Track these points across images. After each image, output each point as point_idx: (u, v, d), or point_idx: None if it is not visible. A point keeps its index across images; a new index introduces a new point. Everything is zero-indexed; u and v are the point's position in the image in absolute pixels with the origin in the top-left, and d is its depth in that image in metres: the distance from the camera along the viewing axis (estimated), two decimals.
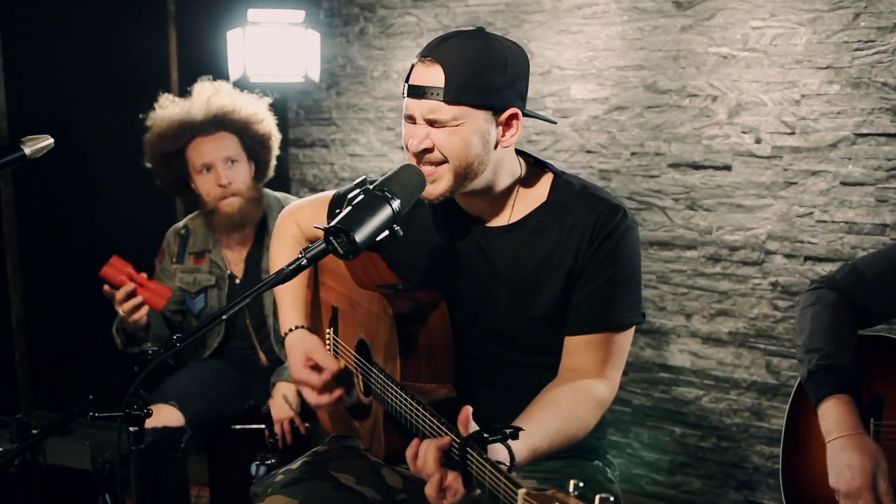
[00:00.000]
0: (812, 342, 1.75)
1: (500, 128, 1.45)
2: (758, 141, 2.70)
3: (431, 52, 1.41)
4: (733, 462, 2.87)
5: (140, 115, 2.58)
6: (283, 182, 3.67)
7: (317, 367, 1.60)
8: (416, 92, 1.41)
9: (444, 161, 1.43)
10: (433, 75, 1.39)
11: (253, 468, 2.22)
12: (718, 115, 2.76)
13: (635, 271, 1.51)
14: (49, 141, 1.79)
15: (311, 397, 1.60)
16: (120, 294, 2.20)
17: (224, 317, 1.22)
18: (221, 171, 2.48)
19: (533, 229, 1.51)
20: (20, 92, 2.72)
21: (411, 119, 1.45)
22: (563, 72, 3.04)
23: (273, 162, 2.69)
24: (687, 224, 2.87)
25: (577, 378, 1.45)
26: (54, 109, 2.86)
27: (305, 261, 1.24)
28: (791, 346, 2.72)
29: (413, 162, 1.45)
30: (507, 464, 1.20)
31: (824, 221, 2.63)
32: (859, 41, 2.51)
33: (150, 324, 2.37)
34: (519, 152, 1.58)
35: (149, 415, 1.22)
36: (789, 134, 2.65)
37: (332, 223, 1.23)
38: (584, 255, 1.47)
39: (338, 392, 1.59)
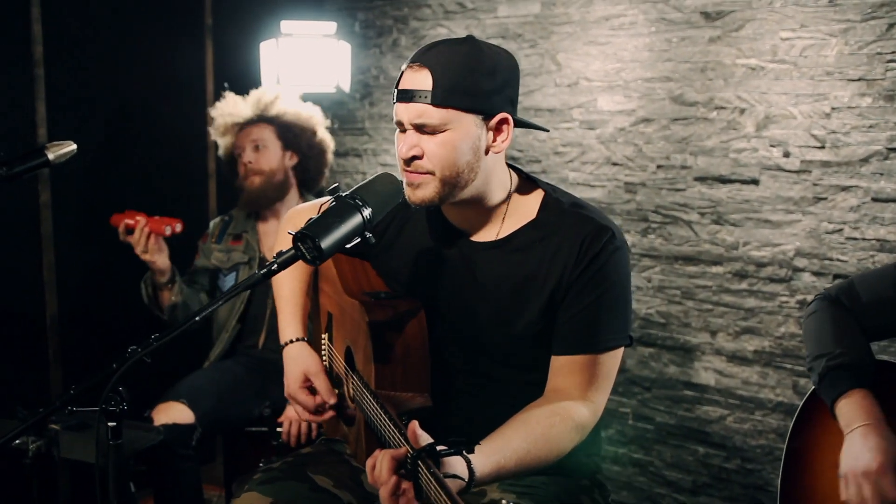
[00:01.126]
0: (819, 349, 1.69)
1: (491, 133, 1.44)
2: (786, 155, 2.63)
3: (420, 58, 1.42)
4: (758, 485, 2.78)
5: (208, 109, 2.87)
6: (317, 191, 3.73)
7: (312, 389, 1.63)
8: (405, 96, 1.41)
9: (432, 171, 1.42)
10: (421, 79, 1.39)
11: None
12: (746, 128, 2.70)
13: (623, 293, 1.48)
14: (72, 147, 1.86)
15: (303, 414, 1.65)
16: (134, 235, 2.50)
17: (198, 318, 1.25)
18: (247, 152, 2.72)
19: (519, 246, 1.50)
20: (60, 101, 2.84)
21: (400, 125, 1.45)
22: (591, 83, 3.01)
23: (326, 154, 2.90)
24: (713, 239, 2.80)
25: (559, 399, 1.43)
26: (93, 118, 2.98)
27: (276, 266, 1.26)
28: None
29: (402, 169, 1.46)
30: (465, 478, 1.19)
31: (855, 238, 2.54)
32: (893, 52, 2.42)
33: (174, 278, 2.60)
34: (511, 167, 1.57)
35: (125, 410, 1.26)
36: (819, 148, 2.57)
37: (300, 229, 1.25)
38: (570, 276, 1.45)
39: (328, 414, 1.63)
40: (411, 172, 1.44)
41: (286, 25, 3.09)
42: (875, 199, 2.49)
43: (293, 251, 1.25)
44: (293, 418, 2.44)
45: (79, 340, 2.93)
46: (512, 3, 3.19)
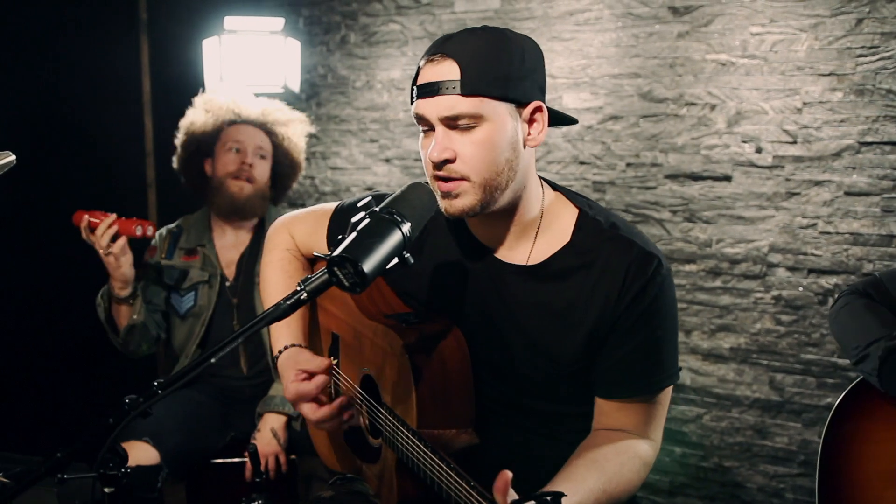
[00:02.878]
0: (869, 335, 1.63)
1: (525, 125, 1.31)
2: (758, 150, 2.62)
3: (440, 49, 1.28)
4: (736, 482, 2.76)
5: (201, 89, 2.63)
6: None
7: (309, 377, 1.41)
8: (429, 90, 1.26)
9: (467, 176, 1.27)
10: (446, 70, 1.26)
11: None
12: (717, 124, 2.67)
13: (673, 326, 1.36)
14: (10, 158, 1.64)
15: (311, 412, 1.40)
16: (97, 232, 2.19)
17: (213, 360, 1.07)
18: (250, 154, 2.50)
19: (554, 274, 1.35)
20: None
21: (426, 124, 1.29)
22: (555, 80, 2.93)
23: (288, 192, 2.74)
24: (686, 237, 2.77)
25: (618, 436, 1.32)
26: (19, 122, 2.69)
27: (305, 294, 1.09)
28: (795, 362, 2.63)
29: (431, 176, 1.29)
30: None
31: (828, 233, 2.55)
32: (863, 47, 2.43)
33: (136, 292, 2.33)
34: (542, 178, 1.44)
35: (127, 473, 1.08)
36: (791, 143, 2.57)
37: (336, 252, 1.08)
38: (614, 310, 1.31)
39: (337, 402, 1.39)
40: (444, 180, 1.28)
41: (230, 21, 2.88)
42: (848, 193, 2.50)
43: (326, 276, 1.09)
44: (266, 454, 2.25)
45: (12, 373, 2.64)
46: None
